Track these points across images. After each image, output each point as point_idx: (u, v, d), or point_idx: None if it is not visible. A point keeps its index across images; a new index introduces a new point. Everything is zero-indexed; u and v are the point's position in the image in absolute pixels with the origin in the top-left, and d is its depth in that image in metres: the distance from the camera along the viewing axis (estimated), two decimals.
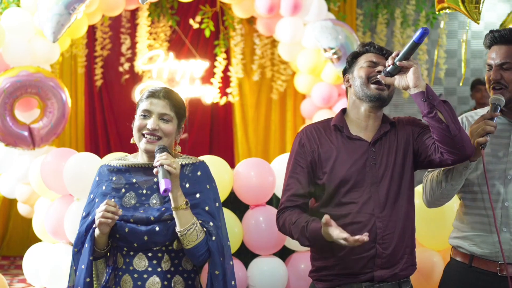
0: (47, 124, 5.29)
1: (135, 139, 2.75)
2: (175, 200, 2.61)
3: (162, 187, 2.51)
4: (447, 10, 3.47)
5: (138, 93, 7.02)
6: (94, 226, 2.67)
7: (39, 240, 4.80)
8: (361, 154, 2.79)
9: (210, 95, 7.26)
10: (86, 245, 2.68)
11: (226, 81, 7.50)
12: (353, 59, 2.88)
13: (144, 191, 2.73)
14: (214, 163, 4.17)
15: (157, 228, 2.64)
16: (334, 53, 6.10)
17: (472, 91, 7.76)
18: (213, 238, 2.70)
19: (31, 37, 5.31)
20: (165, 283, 2.69)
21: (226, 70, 7.45)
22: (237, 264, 4.18)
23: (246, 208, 4.24)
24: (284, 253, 4.32)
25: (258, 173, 4.14)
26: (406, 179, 2.82)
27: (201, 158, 3.93)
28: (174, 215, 2.62)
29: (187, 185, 2.72)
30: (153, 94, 2.72)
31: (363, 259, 2.75)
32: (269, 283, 4.17)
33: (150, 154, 2.72)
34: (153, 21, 7.47)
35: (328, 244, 2.65)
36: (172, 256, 2.72)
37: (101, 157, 4.33)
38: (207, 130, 7.88)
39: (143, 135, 2.70)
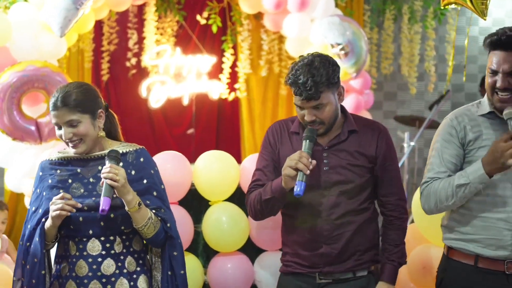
0: None
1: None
2: (128, 204, 2.74)
3: (100, 206, 2.65)
4: (453, 6, 3.45)
5: (145, 88, 7.03)
6: (43, 220, 2.78)
7: None
8: (316, 159, 2.88)
9: (217, 90, 7.26)
10: (37, 238, 2.76)
11: (233, 76, 7.49)
12: (285, 80, 2.93)
13: (91, 180, 2.84)
14: (221, 158, 4.16)
15: (112, 215, 2.77)
16: (342, 49, 6.09)
17: (480, 87, 7.71)
18: (168, 224, 2.87)
19: (38, 32, 5.31)
20: (119, 264, 2.83)
21: (233, 65, 7.44)
22: (243, 259, 4.18)
23: None
24: None
25: None
26: (361, 185, 2.98)
27: (206, 153, 3.99)
28: (130, 214, 2.75)
29: (133, 172, 2.85)
30: (53, 107, 2.79)
31: (314, 256, 2.98)
32: (276, 278, 4.16)
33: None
34: (160, 16, 7.46)
35: (282, 197, 2.91)
36: (124, 238, 2.85)
37: None
38: (214, 125, 7.87)
39: (66, 142, 2.82)
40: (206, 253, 4.31)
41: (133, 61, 7.42)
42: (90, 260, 2.79)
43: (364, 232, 3.01)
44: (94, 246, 2.80)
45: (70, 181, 2.83)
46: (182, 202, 4.14)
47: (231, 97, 7.46)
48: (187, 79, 7.17)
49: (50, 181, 2.85)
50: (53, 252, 2.97)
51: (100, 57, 7.49)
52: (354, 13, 7.68)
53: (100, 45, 7.48)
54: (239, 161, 4.39)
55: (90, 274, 2.78)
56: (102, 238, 2.80)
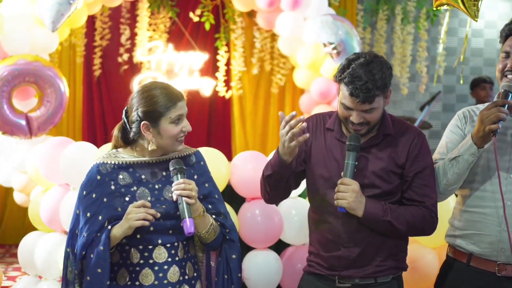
0: (44, 113, 5.27)
1: (164, 145, 2.74)
2: (194, 211, 2.67)
3: (185, 229, 2.58)
4: (445, 7, 3.46)
5: (137, 84, 7.00)
6: (109, 226, 2.63)
7: (35, 229, 4.79)
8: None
9: (208, 87, 7.25)
10: (101, 247, 2.61)
11: (226, 74, 7.49)
12: (339, 75, 2.78)
13: (156, 186, 2.74)
14: (211, 155, 4.16)
15: (181, 224, 2.64)
16: (334, 48, 6.10)
17: (472, 90, 7.68)
18: (227, 230, 2.82)
19: (30, 26, 5.29)
20: (182, 270, 2.74)
21: (226, 63, 7.44)
22: None
23: (243, 201, 4.24)
24: (279, 247, 4.32)
25: (255, 166, 4.13)
26: (388, 191, 2.81)
27: (198, 149, 3.96)
28: (194, 221, 2.66)
29: (195, 176, 2.79)
30: (177, 97, 2.74)
31: (332, 258, 2.87)
32: (264, 276, 4.17)
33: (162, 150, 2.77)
34: (153, 12, 7.45)
35: (282, 169, 2.79)
36: (184, 244, 2.77)
37: (98, 146, 4.31)
38: (205, 122, 7.87)
39: (177, 139, 2.75)
40: None
41: (125, 56, 7.41)
42: (156, 268, 2.68)
43: (388, 238, 2.84)
44: (160, 254, 2.70)
45: (135, 187, 2.71)
46: None
47: (228, 94, 7.47)
48: (179, 76, 7.16)
49: (113, 187, 2.70)
50: None
51: (92, 52, 7.48)
52: (347, 13, 7.70)
53: (92, 40, 7.47)
54: (229, 158, 4.40)
55: (156, 282, 2.68)
56: (168, 245, 2.71)
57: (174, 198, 2.65)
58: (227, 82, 7.53)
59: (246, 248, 4.26)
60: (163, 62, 7.14)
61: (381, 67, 2.73)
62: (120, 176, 2.72)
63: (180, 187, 2.63)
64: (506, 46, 2.86)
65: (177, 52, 7.24)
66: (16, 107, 5.23)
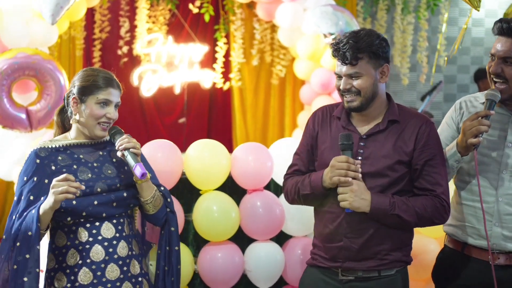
0: (44, 107, 5.26)
1: (86, 124, 2.84)
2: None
3: (138, 172, 2.71)
4: None
5: (137, 77, 6.99)
6: (37, 206, 2.67)
7: None
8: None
9: (208, 79, 7.24)
10: (32, 230, 2.64)
11: (226, 66, 7.48)
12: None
13: (95, 164, 2.85)
14: (212, 147, 4.15)
15: (125, 194, 2.82)
16: (334, 39, 6.08)
17: (477, 82, 7.63)
18: (169, 200, 2.97)
19: (29, 19, 5.27)
20: (130, 246, 2.86)
21: (226, 54, 7.42)
22: (233, 249, 4.17)
23: (244, 192, 4.23)
24: (281, 239, 4.32)
25: (256, 158, 4.13)
26: (394, 179, 2.78)
27: (198, 142, 4.00)
28: (138, 187, 2.82)
29: None
30: (111, 83, 2.84)
31: (334, 249, 2.84)
32: (266, 268, 4.17)
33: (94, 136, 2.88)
34: (152, 4, 7.43)
35: (322, 194, 2.81)
36: (129, 221, 2.90)
37: None
38: (205, 114, 7.86)
39: (99, 123, 2.83)
40: (196, 242, 4.30)
41: (125, 49, 7.39)
42: (106, 244, 2.78)
43: (393, 230, 2.81)
44: (108, 229, 2.79)
45: (75, 166, 2.80)
46: (172, 191, 4.11)
47: (226, 86, 7.45)
48: (179, 68, 7.15)
49: (53, 167, 2.78)
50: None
51: (92, 45, 7.45)
52: (347, 3, 7.67)
53: (92, 33, 7.44)
54: (230, 150, 4.38)
55: (107, 258, 2.77)
56: (114, 221, 2.81)
57: (120, 154, 2.79)
58: (227, 74, 7.51)
59: (247, 240, 4.26)
60: (163, 54, 7.13)
61: (368, 34, 2.75)
62: (59, 158, 2.82)
63: (125, 141, 2.78)
64: (492, 48, 2.85)
65: (177, 44, 7.23)
66: (16, 101, 5.22)
